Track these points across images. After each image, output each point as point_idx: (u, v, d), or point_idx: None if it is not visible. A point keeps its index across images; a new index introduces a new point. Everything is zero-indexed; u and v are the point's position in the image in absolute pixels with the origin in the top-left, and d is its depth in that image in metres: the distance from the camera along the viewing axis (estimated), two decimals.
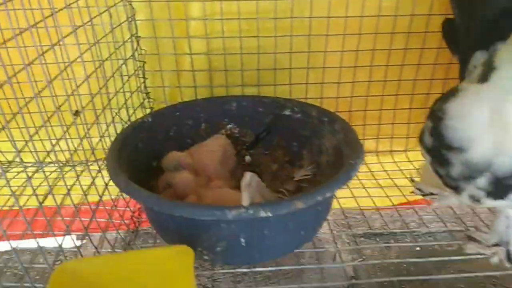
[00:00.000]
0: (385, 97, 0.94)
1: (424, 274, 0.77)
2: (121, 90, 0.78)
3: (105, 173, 0.64)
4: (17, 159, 0.94)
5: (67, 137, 0.60)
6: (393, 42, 0.86)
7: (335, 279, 0.79)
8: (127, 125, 0.79)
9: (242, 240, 0.57)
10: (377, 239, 0.90)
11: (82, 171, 0.66)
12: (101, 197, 0.68)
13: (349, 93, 0.92)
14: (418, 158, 1.00)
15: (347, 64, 0.88)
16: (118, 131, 0.74)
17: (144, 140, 0.75)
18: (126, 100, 0.79)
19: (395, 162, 0.99)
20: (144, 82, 0.87)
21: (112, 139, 0.69)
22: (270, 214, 0.51)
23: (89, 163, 0.67)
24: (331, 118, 0.78)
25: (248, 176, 0.55)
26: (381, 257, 0.85)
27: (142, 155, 0.75)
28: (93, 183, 0.67)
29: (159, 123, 0.79)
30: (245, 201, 0.50)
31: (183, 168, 0.72)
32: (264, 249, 0.61)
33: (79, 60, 0.60)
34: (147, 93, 0.88)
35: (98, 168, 0.72)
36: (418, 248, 0.86)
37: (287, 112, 0.85)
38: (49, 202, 0.54)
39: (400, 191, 0.90)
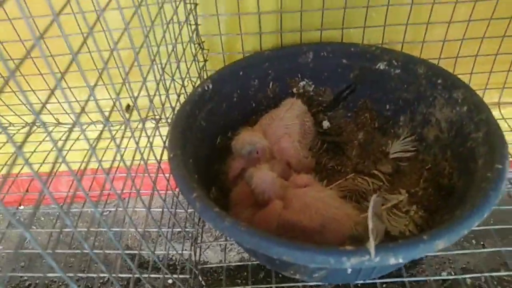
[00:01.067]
0: (506, 38, 0.71)
1: None
2: (170, 42, 0.59)
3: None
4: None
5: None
6: None
7: None
8: (182, 88, 0.63)
9: (349, 270, 0.45)
10: None
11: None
12: (159, 162, 0.54)
13: (460, 34, 0.70)
14: None
15: None
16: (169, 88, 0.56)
17: (206, 116, 0.60)
18: (178, 56, 0.60)
19: (503, 118, 0.80)
20: (196, 29, 0.68)
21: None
22: (401, 261, 0.38)
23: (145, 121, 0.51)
24: (450, 81, 0.58)
25: (373, 208, 0.40)
26: None
27: (205, 135, 0.60)
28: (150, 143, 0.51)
29: (220, 90, 0.63)
30: (372, 248, 0.36)
31: (258, 153, 0.58)
32: (370, 274, 0.49)
33: (113, 5, 0.41)
34: (200, 43, 0.70)
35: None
36: None
37: (381, 66, 0.66)
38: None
39: None
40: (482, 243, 0.84)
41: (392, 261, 0.37)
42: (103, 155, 0.70)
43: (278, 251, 0.38)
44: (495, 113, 0.81)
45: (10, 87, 0.68)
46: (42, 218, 0.95)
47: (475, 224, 0.40)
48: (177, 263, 0.75)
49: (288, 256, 0.38)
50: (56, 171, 0.71)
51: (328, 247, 0.39)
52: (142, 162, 0.47)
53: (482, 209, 0.41)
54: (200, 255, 0.62)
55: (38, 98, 0.76)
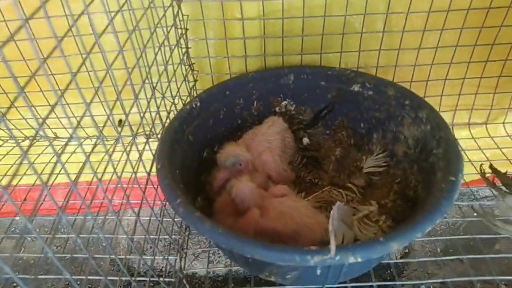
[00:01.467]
0: (471, 64, 0.77)
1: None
2: (162, 63, 0.65)
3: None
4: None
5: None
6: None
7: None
8: (173, 107, 0.68)
9: (318, 270, 0.49)
10: None
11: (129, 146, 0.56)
12: (148, 174, 0.59)
13: (429, 60, 0.77)
14: (499, 132, 0.87)
15: (432, 27, 0.72)
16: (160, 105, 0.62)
17: (194, 132, 0.65)
18: (168, 77, 0.66)
19: (473, 137, 0.86)
20: (187, 52, 0.74)
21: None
22: (360, 260, 0.42)
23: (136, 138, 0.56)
24: (416, 102, 0.64)
25: (335, 213, 0.45)
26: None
27: (193, 149, 0.65)
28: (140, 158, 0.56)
29: (208, 107, 0.68)
30: (332, 247, 0.41)
31: (241, 165, 0.62)
32: (338, 276, 0.53)
33: (109, 29, 0.46)
34: (190, 65, 0.76)
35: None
36: None
37: (356, 88, 0.72)
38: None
39: (475, 168, 0.78)
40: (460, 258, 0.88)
41: (352, 259, 0.42)
42: (97, 168, 0.74)
43: (250, 250, 0.43)
44: (465, 133, 0.87)
45: (13, 104, 0.73)
46: (38, 230, 0.98)
47: (427, 228, 0.45)
48: (165, 271, 0.79)
49: (260, 255, 0.43)
50: (53, 182, 0.76)
51: (294, 246, 0.44)
52: (133, 175, 0.52)
53: (434, 215, 0.46)
54: (185, 262, 0.66)
55: (38, 113, 0.81)
